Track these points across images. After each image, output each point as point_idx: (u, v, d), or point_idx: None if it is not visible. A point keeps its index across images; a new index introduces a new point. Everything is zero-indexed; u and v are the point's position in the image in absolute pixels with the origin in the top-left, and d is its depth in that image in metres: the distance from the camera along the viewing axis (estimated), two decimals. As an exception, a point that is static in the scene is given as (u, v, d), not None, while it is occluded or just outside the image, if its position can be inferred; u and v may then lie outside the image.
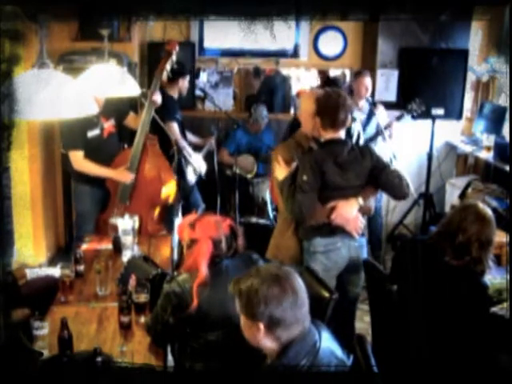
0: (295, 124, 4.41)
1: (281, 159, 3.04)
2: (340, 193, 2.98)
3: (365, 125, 4.68)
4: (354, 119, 3.93)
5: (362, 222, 3.02)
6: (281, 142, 4.81)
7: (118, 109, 4.03)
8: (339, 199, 2.98)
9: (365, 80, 4.71)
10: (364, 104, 4.77)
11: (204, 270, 2.32)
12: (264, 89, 5.76)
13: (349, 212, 2.97)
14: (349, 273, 3.10)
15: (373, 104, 4.80)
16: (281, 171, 3.03)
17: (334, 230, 2.99)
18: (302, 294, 1.81)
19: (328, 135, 2.96)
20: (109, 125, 4.00)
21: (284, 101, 5.86)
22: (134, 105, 4.39)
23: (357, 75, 4.84)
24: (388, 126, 4.67)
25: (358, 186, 3.00)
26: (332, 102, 2.92)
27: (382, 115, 4.81)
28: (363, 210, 3.03)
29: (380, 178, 3.01)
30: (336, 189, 2.97)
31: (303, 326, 1.81)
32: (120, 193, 3.96)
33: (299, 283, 1.83)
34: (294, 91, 5.88)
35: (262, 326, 1.77)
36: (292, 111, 5.79)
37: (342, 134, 2.98)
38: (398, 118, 4.73)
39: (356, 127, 3.89)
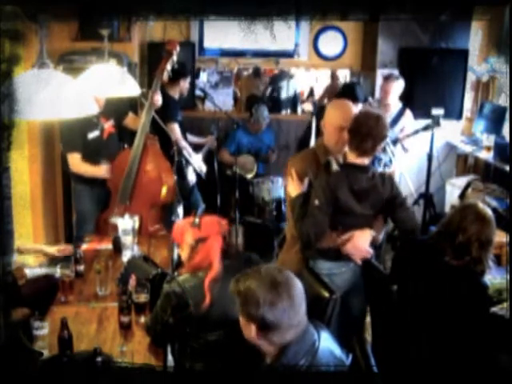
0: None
1: (294, 173, 2.89)
2: (352, 220, 2.85)
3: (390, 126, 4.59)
4: None
5: (370, 252, 2.91)
6: (298, 140, 4.71)
7: (117, 109, 4.04)
8: (350, 226, 2.85)
9: (387, 85, 4.61)
10: (393, 106, 4.67)
11: (218, 265, 2.34)
12: (270, 88, 5.76)
13: (363, 244, 2.86)
14: (352, 297, 2.94)
15: (403, 108, 4.73)
16: (293, 187, 2.89)
17: (340, 255, 2.88)
18: (298, 299, 1.81)
19: (351, 157, 2.80)
20: (109, 125, 4.01)
21: (292, 100, 5.85)
22: (133, 105, 4.39)
23: (386, 78, 4.72)
24: (398, 141, 4.60)
25: (371, 214, 2.88)
26: (366, 127, 2.72)
27: (409, 120, 4.75)
28: (372, 240, 2.93)
29: (396, 212, 2.89)
30: (348, 215, 2.84)
31: (297, 331, 1.82)
32: (120, 192, 3.96)
33: (297, 289, 1.83)
34: (298, 90, 5.90)
35: (253, 327, 1.80)
36: (299, 111, 5.79)
37: (365, 160, 2.80)
38: (413, 134, 4.65)
39: None
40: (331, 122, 2.89)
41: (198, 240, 2.38)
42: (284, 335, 1.80)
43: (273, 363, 1.85)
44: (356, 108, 3.79)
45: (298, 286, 1.84)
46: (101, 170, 3.94)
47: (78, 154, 3.87)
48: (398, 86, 4.63)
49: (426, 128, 4.58)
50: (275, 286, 1.79)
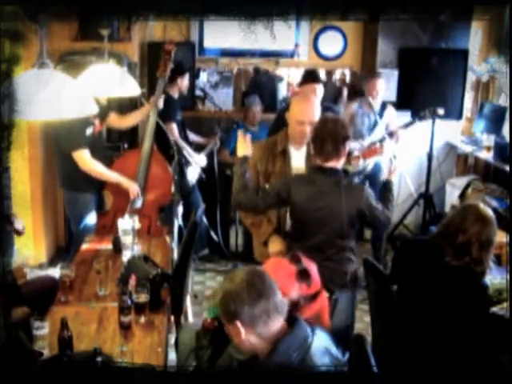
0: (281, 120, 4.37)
1: (241, 135, 2.97)
2: (311, 231, 2.78)
3: (374, 124, 4.66)
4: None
5: None
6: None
7: (100, 109, 3.99)
8: (310, 237, 2.80)
9: (377, 82, 4.69)
10: (376, 104, 4.74)
11: (329, 325, 2.18)
12: (252, 88, 5.74)
13: None
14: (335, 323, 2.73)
15: (383, 104, 4.79)
16: (242, 146, 2.95)
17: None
18: (265, 288, 1.85)
19: (319, 161, 2.82)
20: (97, 123, 3.97)
21: (272, 100, 5.82)
22: (113, 105, 4.38)
23: (369, 77, 4.80)
24: (393, 134, 4.63)
25: (336, 227, 2.75)
26: (324, 132, 2.77)
27: (392, 115, 4.79)
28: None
29: (366, 216, 2.82)
30: (307, 224, 2.80)
31: (280, 319, 1.84)
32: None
33: (263, 280, 1.87)
34: (286, 91, 5.87)
35: (239, 323, 1.82)
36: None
37: (333, 163, 2.79)
38: (407, 126, 4.67)
39: None
40: (291, 115, 3.07)
41: (306, 298, 2.13)
42: (270, 325, 1.82)
43: (265, 359, 1.85)
44: (319, 88, 3.91)
45: (265, 276, 1.89)
46: (120, 178, 3.90)
47: (85, 149, 3.76)
48: (383, 83, 4.72)
49: (421, 118, 4.59)
50: (243, 280, 1.85)
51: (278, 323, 1.84)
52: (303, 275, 2.12)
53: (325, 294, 2.24)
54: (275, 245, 3.01)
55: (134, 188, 3.91)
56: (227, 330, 1.90)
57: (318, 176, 2.81)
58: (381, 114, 4.75)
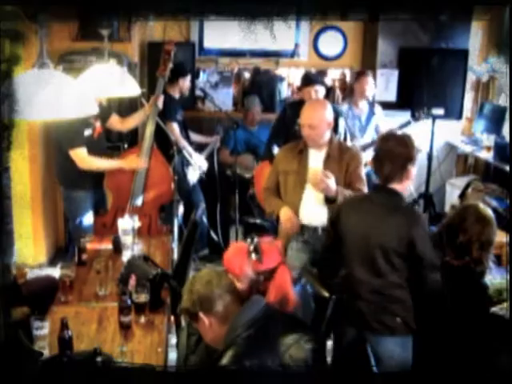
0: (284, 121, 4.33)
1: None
2: (361, 258, 2.56)
3: (365, 125, 4.67)
4: (339, 114, 3.92)
5: None
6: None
7: (102, 110, 3.99)
8: (359, 268, 2.58)
9: (367, 80, 4.69)
10: (365, 104, 4.76)
11: (294, 297, 2.18)
12: (252, 88, 5.73)
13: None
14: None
15: (371, 104, 4.80)
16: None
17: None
18: (215, 277, 2.07)
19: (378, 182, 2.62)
20: (98, 125, 3.96)
21: (273, 100, 5.81)
22: (116, 107, 4.38)
23: (359, 75, 4.81)
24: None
25: (381, 255, 2.46)
26: (382, 150, 2.53)
27: (380, 115, 4.80)
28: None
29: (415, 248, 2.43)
30: (354, 248, 2.62)
31: (232, 297, 2.02)
32: (132, 195, 3.98)
33: (214, 272, 2.13)
34: (286, 91, 5.86)
35: (201, 314, 2.00)
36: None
37: (394, 185, 2.49)
38: (402, 126, 4.65)
39: (341, 124, 3.95)
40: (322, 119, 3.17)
41: (262, 273, 2.14)
42: (226, 307, 1.99)
43: (226, 336, 1.96)
44: (320, 90, 3.98)
45: (217, 270, 2.17)
46: (120, 162, 3.91)
47: (83, 148, 3.74)
48: (372, 81, 4.72)
49: (416, 119, 4.59)
50: (201, 277, 2.09)
51: (233, 303, 2.00)
52: (254, 251, 2.16)
53: (284, 269, 2.19)
54: (284, 212, 3.19)
55: (134, 161, 3.92)
56: (199, 329, 2.05)
57: (372, 197, 2.62)
58: (370, 115, 4.74)
